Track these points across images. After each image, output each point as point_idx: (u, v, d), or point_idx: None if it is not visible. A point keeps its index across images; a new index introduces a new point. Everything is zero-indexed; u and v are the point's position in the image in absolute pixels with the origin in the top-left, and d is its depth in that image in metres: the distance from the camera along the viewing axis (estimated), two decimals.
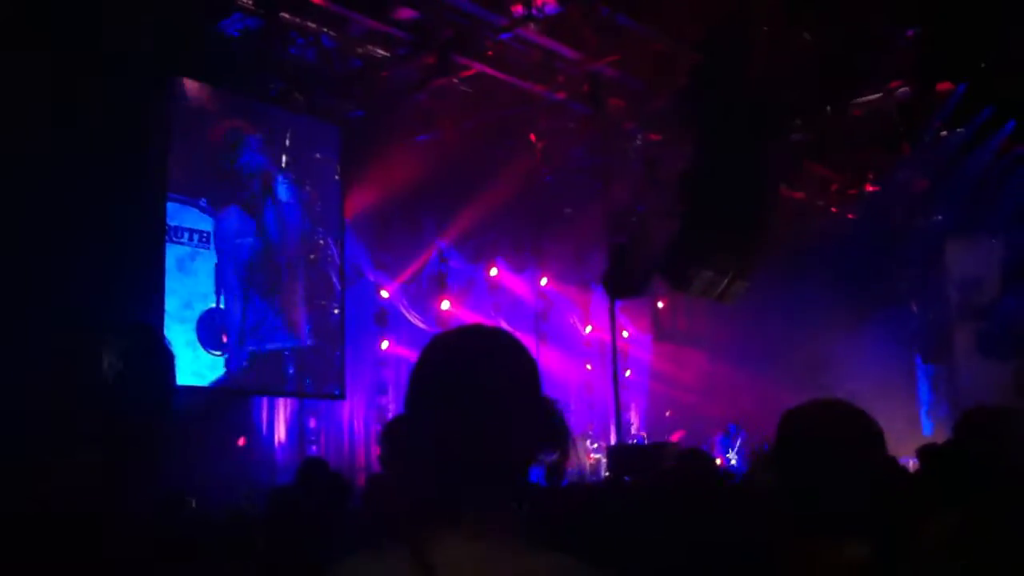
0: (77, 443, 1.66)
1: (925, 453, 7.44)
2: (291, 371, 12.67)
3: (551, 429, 1.70)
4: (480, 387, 1.66)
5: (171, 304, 11.28)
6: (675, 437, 16.36)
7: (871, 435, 2.35)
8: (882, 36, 12.26)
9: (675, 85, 12.17)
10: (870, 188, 16.57)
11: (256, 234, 12.37)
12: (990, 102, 13.53)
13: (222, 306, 11.92)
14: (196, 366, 11.60)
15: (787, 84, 11.86)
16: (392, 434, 3.97)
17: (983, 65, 12.40)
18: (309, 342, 12.89)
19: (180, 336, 11.34)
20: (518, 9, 11.26)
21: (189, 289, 11.62)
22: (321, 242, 13.13)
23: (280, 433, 13.49)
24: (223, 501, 11.89)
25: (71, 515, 1.62)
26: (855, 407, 2.41)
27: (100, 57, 9.72)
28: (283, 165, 12.70)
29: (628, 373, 18.26)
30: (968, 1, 11.39)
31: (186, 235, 11.63)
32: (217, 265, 11.94)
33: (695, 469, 4.32)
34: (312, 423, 14.04)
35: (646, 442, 17.39)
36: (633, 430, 18.31)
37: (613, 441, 16.03)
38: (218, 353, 11.86)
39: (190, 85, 11.69)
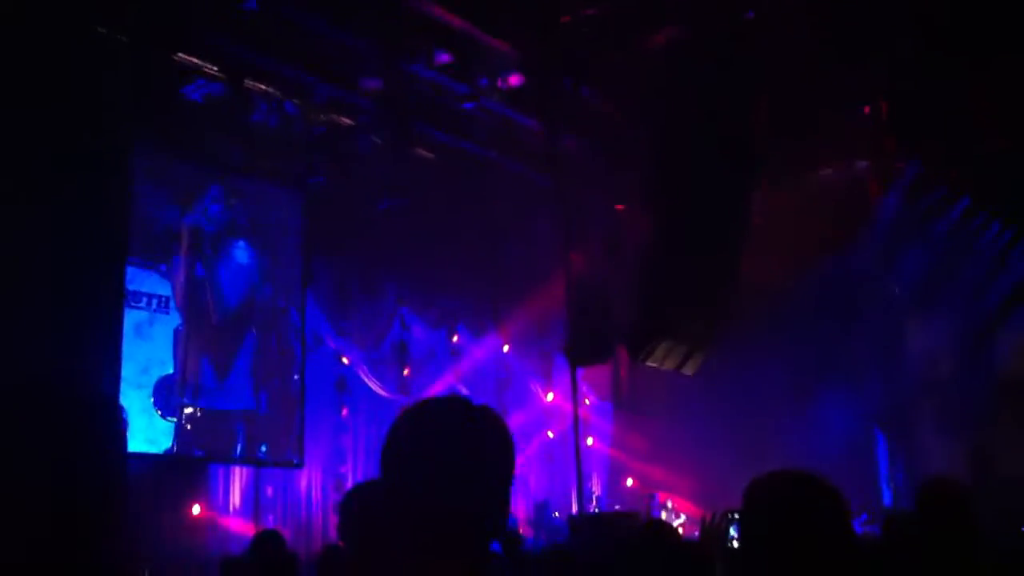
0: (24, 517, 1.61)
1: (890, 521, 7.47)
2: (245, 437, 12.52)
3: (501, 519, 1.70)
4: (455, 464, 1.66)
5: (128, 370, 11.12)
6: (651, 509, 16.23)
7: (837, 507, 2.34)
8: (841, 113, 12.52)
9: (637, 157, 12.31)
10: (828, 262, 16.76)
11: (213, 298, 12.28)
12: (944, 181, 13.80)
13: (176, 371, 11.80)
14: (151, 433, 11.44)
15: (750, 156, 12.03)
16: (350, 504, 3.90)
17: (938, 144, 12.66)
18: (265, 408, 12.76)
19: (136, 403, 11.19)
20: (483, 81, 11.40)
21: (147, 354, 11.49)
22: (281, 307, 13.05)
23: (235, 501, 13.27)
24: (177, 571, 11.69)
25: None
26: (820, 478, 2.39)
27: (62, 119, 9.67)
28: (243, 230, 12.65)
29: (590, 441, 18.19)
30: (924, 81, 11.64)
31: (144, 300, 11.53)
32: (175, 329, 11.83)
33: (658, 539, 4.30)
34: (269, 491, 13.82)
35: (606, 511, 17.31)
36: (594, 499, 18.20)
37: (575, 510, 15.91)
38: (173, 419, 11.70)
39: (152, 149, 11.65)
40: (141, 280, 11.47)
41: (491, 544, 1.73)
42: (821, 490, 2.35)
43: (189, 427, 11.90)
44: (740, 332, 14.42)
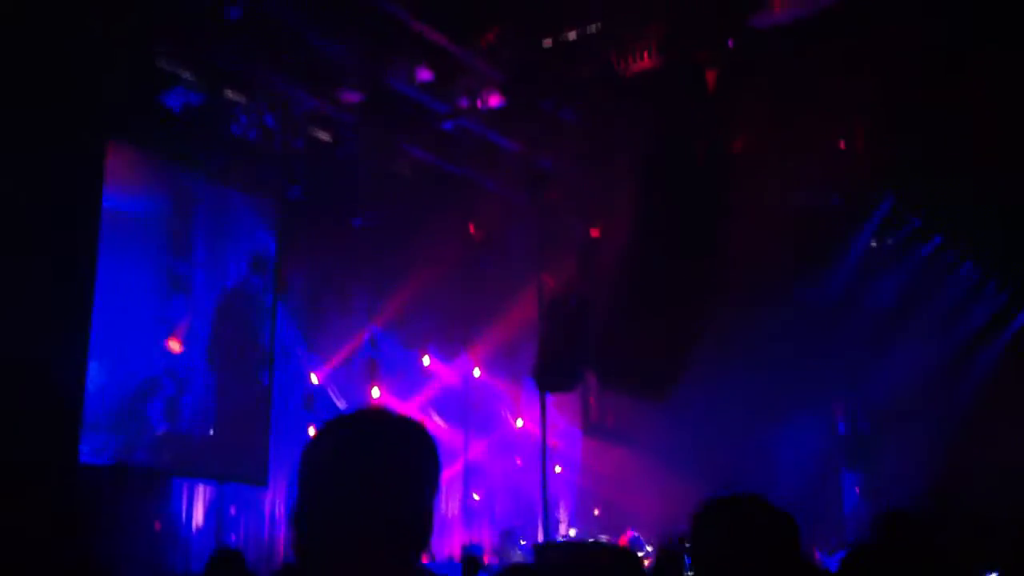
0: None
1: (851, 553, 7.51)
2: (209, 454, 12.39)
3: (425, 532, 1.67)
4: (372, 476, 1.63)
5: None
6: (623, 540, 16.16)
7: (784, 532, 2.31)
8: (817, 145, 12.66)
9: (614, 181, 12.38)
10: (800, 291, 16.88)
11: (183, 309, 12.17)
12: (916, 216, 13.96)
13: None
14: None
15: (723, 184, 12.13)
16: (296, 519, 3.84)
17: (910, 180, 12.82)
18: (231, 424, 12.63)
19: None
20: (463, 100, 11.44)
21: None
22: (252, 320, 12.95)
23: (198, 518, 13.09)
24: None
25: None
26: (768, 503, 2.37)
27: (37, 113, 9.61)
28: (215, 241, 12.56)
29: (558, 469, 18.11)
30: (896, 116, 11.79)
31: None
32: None
33: (623, 569, 4.23)
34: (232, 510, 13.64)
35: (573, 540, 17.20)
36: (561, 527, 18.11)
37: (540, 538, 15.81)
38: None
39: (128, 153, 11.55)
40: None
41: (416, 559, 1.69)
42: (768, 513, 2.34)
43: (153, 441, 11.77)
44: (711, 359, 14.48)
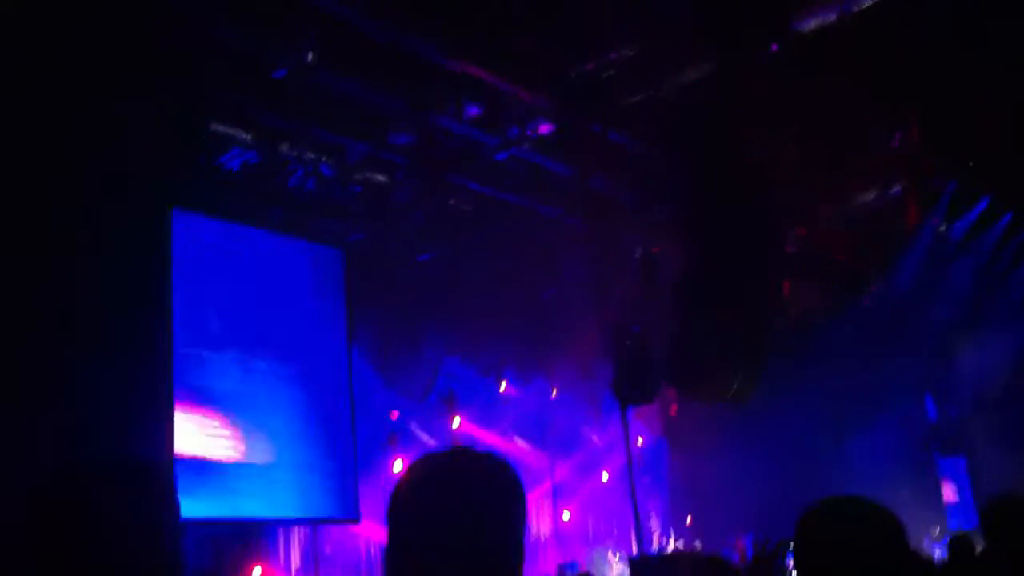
0: None
1: (956, 542, 7.38)
2: (302, 495, 12.61)
3: (518, 568, 1.67)
4: (458, 517, 1.65)
5: None
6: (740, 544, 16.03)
7: (892, 530, 2.31)
8: (873, 140, 12.47)
9: (669, 195, 12.35)
10: (871, 289, 16.64)
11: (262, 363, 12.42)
12: (983, 196, 13.67)
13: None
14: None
15: (782, 188, 12.02)
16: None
17: (971, 162, 12.56)
18: (319, 467, 12.85)
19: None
20: (512, 129, 11.52)
21: None
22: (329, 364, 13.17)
23: (296, 560, 13.33)
24: None
25: None
26: (874, 502, 2.37)
27: (92, 192, 9.83)
28: (286, 292, 12.81)
29: (646, 480, 18.06)
30: (954, 100, 11.58)
31: None
32: None
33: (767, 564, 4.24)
34: (327, 549, 13.88)
35: (668, 550, 17.15)
36: (655, 538, 18.06)
37: (634, 551, 15.78)
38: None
39: (192, 218, 11.85)
40: None
41: None
42: (874, 512, 2.33)
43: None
44: (787, 363, 14.33)
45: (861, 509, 2.35)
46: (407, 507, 1.70)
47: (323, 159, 11.79)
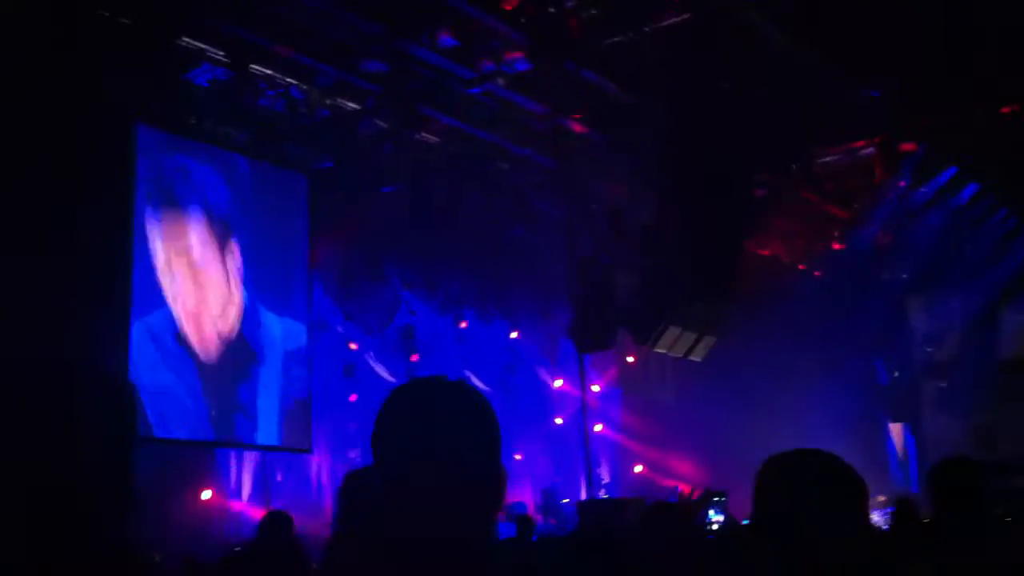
0: (32, 500, 1.59)
1: (900, 505, 7.48)
2: (254, 423, 12.57)
3: (500, 498, 1.72)
4: (443, 448, 1.67)
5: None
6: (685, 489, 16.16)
7: (856, 486, 2.30)
8: (845, 96, 12.49)
9: (640, 139, 12.30)
10: (836, 245, 16.76)
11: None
12: (952, 163, 13.76)
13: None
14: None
15: (753, 140, 12.02)
16: (348, 490, 3.88)
17: (945, 126, 12.63)
18: (274, 394, 12.80)
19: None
20: (487, 64, 11.40)
21: None
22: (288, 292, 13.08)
23: (246, 486, 13.32)
24: (188, 558, 11.73)
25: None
26: (839, 459, 2.34)
27: (62, 101, 9.69)
28: (247, 214, 12.67)
29: (599, 427, 18.19)
30: (931, 65, 11.60)
31: None
32: None
33: (668, 521, 4.26)
34: (279, 477, 13.87)
35: (615, 496, 17.31)
36: (603, 485, 18.20)
37: (583, 496, 15.92)
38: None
39: (156, 133, 11.64)
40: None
41: (495, 517, 1.74)
42: (838, 466, 2.31)
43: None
44: (746, 316, 14.43)
45: (823, 463, 2.33)
46: (390, 433, 1.72)
47: (294, 82, 11.61)
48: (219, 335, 12.12)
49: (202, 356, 11.95)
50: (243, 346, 12.39)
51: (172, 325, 11.64)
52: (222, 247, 12.24)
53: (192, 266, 11.90)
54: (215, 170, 12.25)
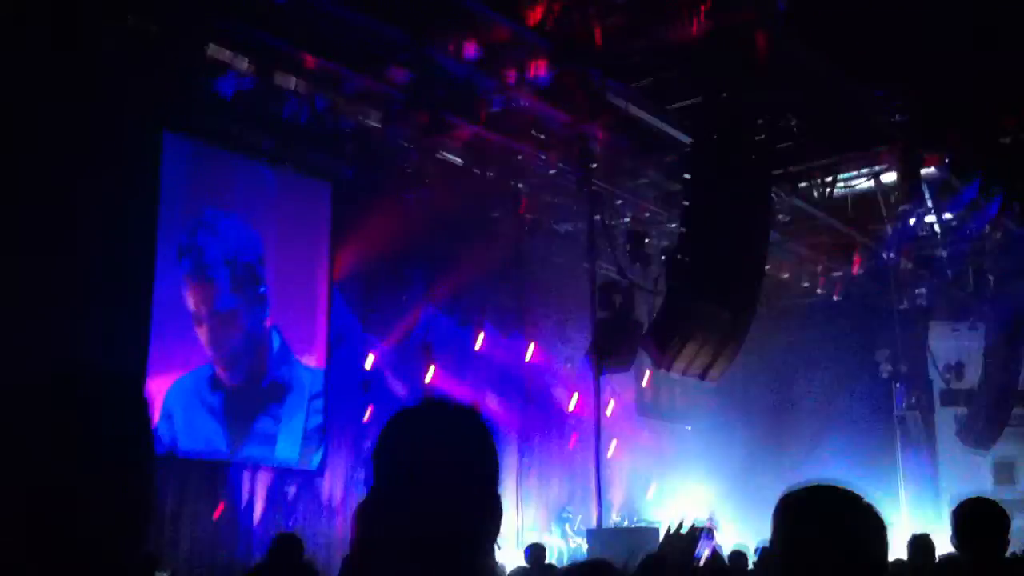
0: (46, 505, 1.56)
1: (916, 542, 7.40)
2: (269, 441, 12.60)
3: (497, 521, 1.69)
4: (448, 474, 1.65)
5: None
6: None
7: (875, 524, 2.25)
8: (868, 118, 12.49)
9: (663, 158, 12.33)
10: (855, 270, 16.69)
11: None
12: (974, 179, 13.68)
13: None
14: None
15: (775, 160, 12.02)
16: (363, 514, 3.84)
17: (969, 141, 12.60)
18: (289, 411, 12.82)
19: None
20: (511, 74, 11.43)
21: None
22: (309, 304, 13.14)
23: (259, 504, 13.22)
24: (201, 571, 11.65)
25: None
26: (858, 495, 2.29)
27: (90, 109, 9.78)
28: (275, 225, 12.73)
29: (613, 446, 18.05)
30: (952, 85, 11.61)
31: None
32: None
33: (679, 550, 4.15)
34: (291, 493, 13.76)
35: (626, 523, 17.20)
36: (614, 509, 18.06)
37: (595, 519, 15.78)
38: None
39: (183, 141, 11.72)
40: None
41: (491, 548, 1.72)
42: (863, 508, 2.26)
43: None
44: (763, 340, 14.36)
45: (846, 499, 2.28)
46: (390, 458, 1.70)
47: (318, 91, 11.67)
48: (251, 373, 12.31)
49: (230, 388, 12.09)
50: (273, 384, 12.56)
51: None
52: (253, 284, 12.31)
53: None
54: (241, 180, 12.35)
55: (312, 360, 13.16)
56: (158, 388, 11.20)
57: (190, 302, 11.67)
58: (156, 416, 11.15)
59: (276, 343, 12.67)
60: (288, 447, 12.68)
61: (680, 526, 3.63)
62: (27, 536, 1.51)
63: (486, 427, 1.72)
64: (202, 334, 11.79)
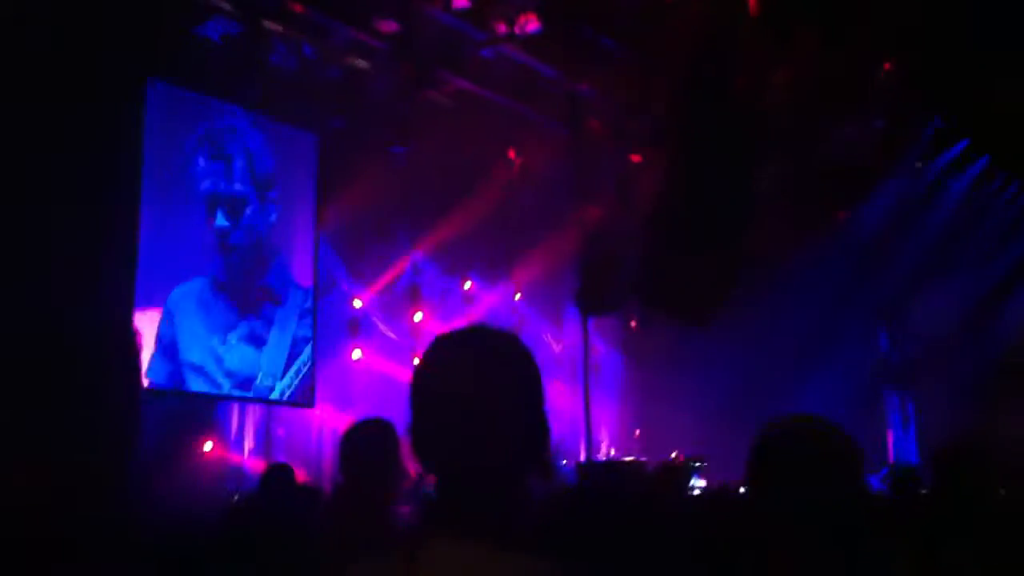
0: (37, 452, 1.59)
1: (900, 475, 7.52)
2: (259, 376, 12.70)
3: (544, 445, 1.71)
4: (485, 395, 1.67)
5: None
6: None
7: (852, 451, 2.31)
8: (859, 69, 12.39)
9: (654, 107, 12.24)
10: (842, 215, 16.69)
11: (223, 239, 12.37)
12: (965, 136, 13.66)
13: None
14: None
15: (766, 112, 11.94)
16: (351, 441, 3.93)
17: (959, 100, 12.53)
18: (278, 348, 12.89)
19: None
20: (501, 26, 11.32)
21: None
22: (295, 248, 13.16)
23: (248, 439, 13.39)
24: (187, 508, 11.82)
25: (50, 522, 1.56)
26: (834, 423, 2.35)
27: (71, 51, 9.63)
28: (258, 172, 12.66)
29: (599, 390, 18.22)
30: (944, 36, 11.50)
31: None
32: None
33: (669, 481, 4.30)
34: (280, 431, 13.94)
35: (615, 459, 17.38)
36: (603, 447, 18.27)
37: (583, 458, 15.99)
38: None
39: (167, 88, 11.61)
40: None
41: (535, 470, 1.74)
42: (834, 433, 2.32)
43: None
44: (752, 286, 14.40)
45: (822, 429, 2.33)
46: (432, 383, 1.72)
47: (306, 39, 11.55)
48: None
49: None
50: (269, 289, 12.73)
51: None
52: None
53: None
54: (226, 127, 12.27)
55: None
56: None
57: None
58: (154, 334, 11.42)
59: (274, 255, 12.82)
60: (276, 358, 12.75)
61: (676, 457, 3.74)
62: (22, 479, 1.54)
63: (528, 352, 1.75)
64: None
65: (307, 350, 13.26)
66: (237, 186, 12.32)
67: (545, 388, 1.75)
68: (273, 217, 12.83)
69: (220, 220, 12.16)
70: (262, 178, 12.59)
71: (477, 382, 1.68)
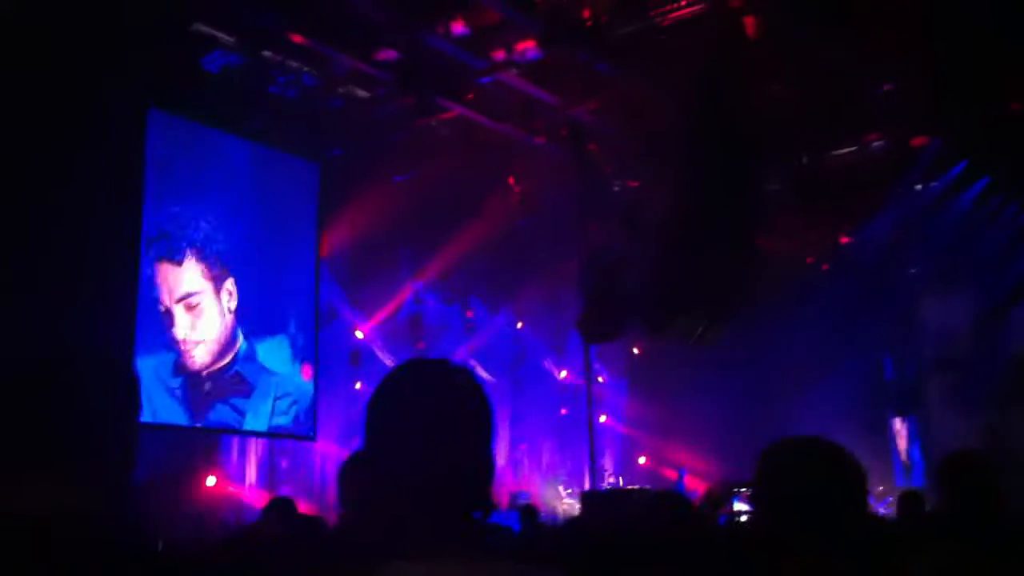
0: (36, 480, 1.59)
1: (906, 497, 7.47)
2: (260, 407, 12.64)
3: (490, 480, 1.69)
4: (453, 427, 1.65)
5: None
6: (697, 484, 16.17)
7: (855, 473, 2.29)
8: (859, 90, 12.44)
9: (653, 131, 12.27)
10: (845, 240, 16.71)
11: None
12: (964, 158, 13.69)
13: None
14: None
15: (767, 134, 11.96)
16: (349, 474, 3.89)
17: (958, 122, 12.57)
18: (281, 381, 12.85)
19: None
20: (499, 54, 11.36)
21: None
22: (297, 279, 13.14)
23: (251, 474, 13.34)
24: (191, 543, 11.75)
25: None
26: (838, 444, 2.33)
27: (77, 86, 9.67)
28: (260, 203, 12.68)
29: (603, 418, 18.19)
30: (943, 58, 11.54)
31: None
32: None
33: (670, 510, 4.26)
34: (283, 464, 13.90)
35: (618, 487, 17.33)
36: (607, 476, 18.21)
37: (587, 486, 15.93)
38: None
39: (169, 119, 11.64)
40: None
41: (480, 510, 1.70)
42: (840, 455, 2.29)
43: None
44: (756, 308, 14.38)
45: (826, 450, 2.31)
46: (385, 414, 1.70)
47: (307, 69, 11.60)
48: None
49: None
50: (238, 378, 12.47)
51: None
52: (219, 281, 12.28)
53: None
54: (224, 155, 12.28)
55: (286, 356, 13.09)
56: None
57: (160, 286, 11.59)
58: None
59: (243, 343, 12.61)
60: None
61: (718, 485, 3.73)
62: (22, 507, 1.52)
63: (479, 383, 1.72)
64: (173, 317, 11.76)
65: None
66: None
67: (495, 425, 1.73)
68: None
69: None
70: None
71: (435, 413, 1.66)
